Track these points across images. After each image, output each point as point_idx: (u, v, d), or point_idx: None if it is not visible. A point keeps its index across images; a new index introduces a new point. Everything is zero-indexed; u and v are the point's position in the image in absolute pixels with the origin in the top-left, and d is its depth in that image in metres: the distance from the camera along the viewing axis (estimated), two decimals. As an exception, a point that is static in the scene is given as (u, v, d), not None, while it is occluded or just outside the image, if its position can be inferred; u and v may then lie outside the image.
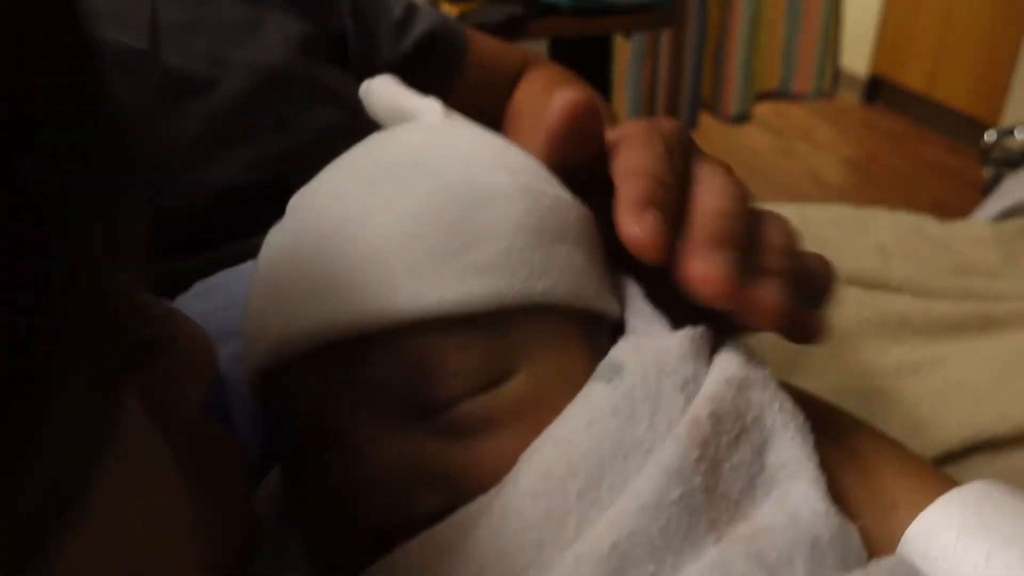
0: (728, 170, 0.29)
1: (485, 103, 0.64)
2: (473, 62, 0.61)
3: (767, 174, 2.42)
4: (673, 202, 0.25)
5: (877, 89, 2.76)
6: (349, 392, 0.23)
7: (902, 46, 2.61)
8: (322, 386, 0.24)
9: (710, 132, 2.39)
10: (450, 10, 1.10)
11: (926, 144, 2.50)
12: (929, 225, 0.78)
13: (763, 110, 2.33)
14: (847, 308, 0.67)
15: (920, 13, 2.51)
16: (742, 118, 2.22)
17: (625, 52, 1.98)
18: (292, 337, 0.23)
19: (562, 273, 0.25)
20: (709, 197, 0.26)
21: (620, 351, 0.25)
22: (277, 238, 0.27)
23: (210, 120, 0.46)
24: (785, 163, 2.48)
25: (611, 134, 0.28)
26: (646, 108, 2.11)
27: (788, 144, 2.56)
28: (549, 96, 0.54)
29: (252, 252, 0.41)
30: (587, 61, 1.27)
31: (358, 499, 0.23)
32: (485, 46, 0.63)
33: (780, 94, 2.24)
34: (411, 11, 0.59)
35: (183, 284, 0.38)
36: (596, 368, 0.25)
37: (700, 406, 0.23)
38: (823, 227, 0.75)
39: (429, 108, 0.31)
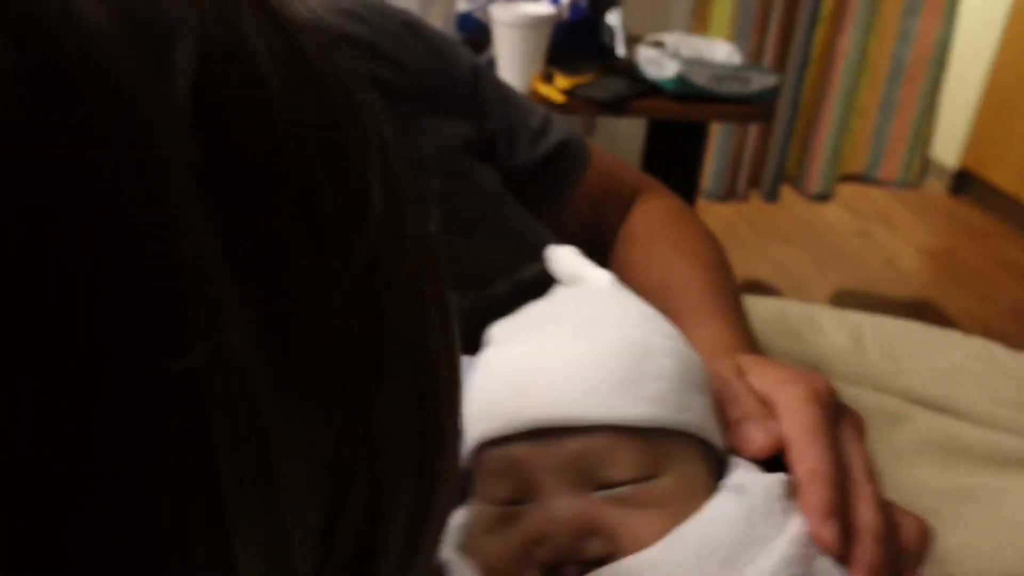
0: (859, 427, 0.42)
1: (601, 215, 0.69)
2: (593, 174, 0.67)
3: (842, 255, 2.42)
4: (845, 500, 0.36)
5: (965, 182, 2.74)
6: (549, 462, 0.34)
7: (995, 143, 2.58)
8: (531, 454, 0.34)
9: (791, 206, 2.42)
10: (562, 83, 1.17)
11: (1010, 244, 2.47)
12: (999, 353, 0.80)
13: (846, 190, 2.34)
14: (911, 428, 0.71)
15: (1016, 113, 2.49)
16: (824, 196, 2.24)
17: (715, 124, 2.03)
18: (520, 419, 0.34)
19: (697, 412, 0.37)
20: (866, 510, 0.37)
21: (740, 477, 0.36)
22: (503, 351, 0.39)
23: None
24: (862, 246, 2.47)
25: (790, 425, 0.39)
26: (730, 176, 2.15)
27: (867, 227, 2.56)
28: (667, 228, 0.63)
29: None
30: (682, 140, 1.33)
31: (544, 539, 0.33)
32: (605, 162, 0.69)
33: (865, 178, 2.25)
34: (547, 121, 0.65)
35: None
36: (720, 484, 0.36)
37: (799, 523, 0.35)
38: (898, 342, 0.79)
39: (601, 277, 0.43)
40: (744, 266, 2.30)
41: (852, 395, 0.72)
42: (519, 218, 0.58)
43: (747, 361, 0.46)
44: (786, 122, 2.08)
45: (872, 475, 0.41)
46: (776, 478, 0.36)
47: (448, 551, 0.35)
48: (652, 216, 0.69)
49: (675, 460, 0.35)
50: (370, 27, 0.57)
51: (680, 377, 0.37)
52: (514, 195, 0.60)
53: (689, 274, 0.62)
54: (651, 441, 0.35)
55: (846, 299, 2.22)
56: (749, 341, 0.56)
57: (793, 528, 0.34)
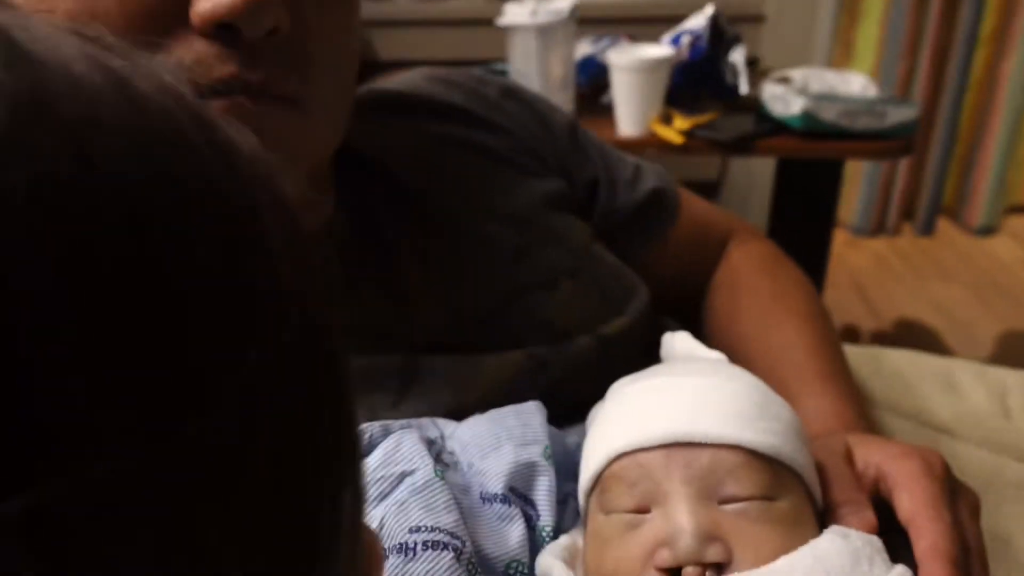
0: (975, 506, 0.43)
1: (692, 262, 0.68)
2: (684, 220, 0.66)
3: (1012, 293, 2.19)
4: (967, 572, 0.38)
5: None
6: (680, 472, 0.38)
7: None
8: (663, 464, 0.39)
9: (950, 240, 2.23)
10: (681, 124, 1.15)
11: None
12: None
13: (1016, 223, 2.13)
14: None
15: None
16: (988, 230, 2.05)
17: (861, 153, 1.92)
18: (657, 433, 0.39)
19: (805, 460, 0.41)
20: None
21: (845, 526, 0.40)
22: (638, 383, 0.44)
23: (453, 245, 0.55)
24: (1035, 283, 2.23)
25: (909, 499, 0.40)
26: (879, 208, 2.02)
27: (1043, 262, 2.31)
28: (763, 278, 0.62)
29: (467, 368, 0.50)
30: (815, 177, 1.26)
31: (669, 542, 0.37)
32: (696, 207, 0.69)
33: (1039, 210, 2.04)
34: (639, 169, 0.66)
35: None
36: (826, 527, 0.40)
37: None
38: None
39: (718, 355, 0.48)
40: (899, 305, 2.13)
41: (990, 466, 0.65)
42: (605, 274, 0.58)
43: (856, 440, 0.46)
44: (942, 151, 1.93)
45: (985, 557, 0.39)
46: (876, 537, 0.38)
47: (553, 561, 0.39)
48: (747, 264, 0.67)
49: (789, 491, 0.39)
50: (465, 94, 0.61)
51: (794, 426, 0.42)
52: (607, 243, 0.61)
53: (791, 332, 0.60)
54: (771, 468, 0.39)
55: (1018, 344, 2.01)
56: (857, 410, 0.54)
57: (897, 573, 0.36)
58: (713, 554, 0.36)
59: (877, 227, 2.04)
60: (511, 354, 0.52)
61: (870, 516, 0.41)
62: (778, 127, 1.13)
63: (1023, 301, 2.13)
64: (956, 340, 1.99)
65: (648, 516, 0.38)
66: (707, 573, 0.36)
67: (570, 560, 0.40)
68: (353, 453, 0.19)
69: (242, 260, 0.15)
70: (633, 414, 0.42)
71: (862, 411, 0.57)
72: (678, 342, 0.51)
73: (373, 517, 0.40)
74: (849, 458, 0.45)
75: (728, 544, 0.37)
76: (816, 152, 1.12)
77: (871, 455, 0.44)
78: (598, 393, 0.53)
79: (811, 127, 1.10)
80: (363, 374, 0.48)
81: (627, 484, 0.39)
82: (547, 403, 0.50)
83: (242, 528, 0.14)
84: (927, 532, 0.39)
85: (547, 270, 0.56)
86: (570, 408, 0.52)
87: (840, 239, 2.10)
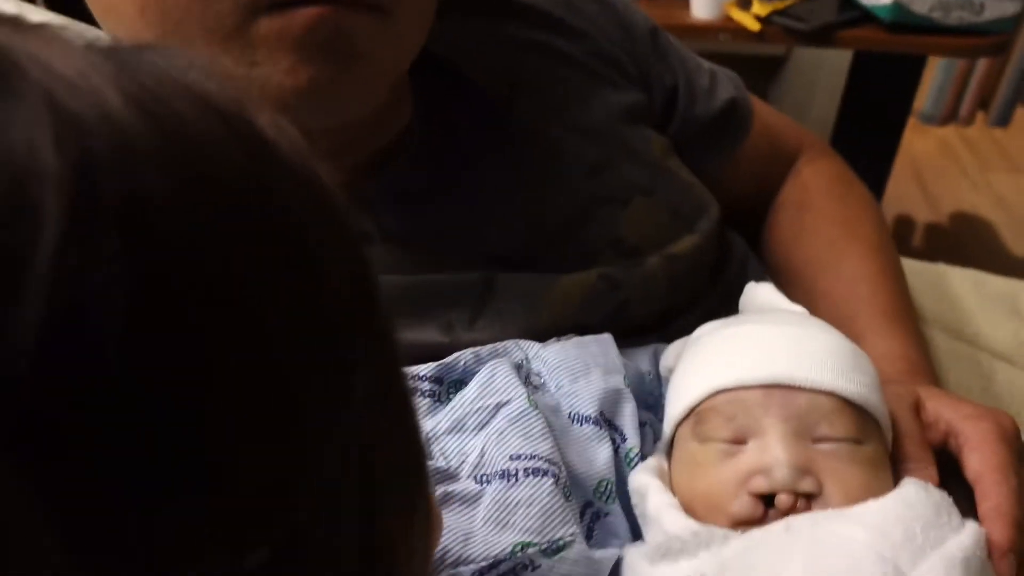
0: None
1: (764, 175, 0.67)
2: (756, 133, 0.65)
3: (1081, 188, 2.11)
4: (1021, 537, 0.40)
5: None
6: (779, 411, 0.42)
7: None
8: (763, 402, 0.42)
9: None
10: (759, 8, 1.09)
11: None
12: None
13: (1098, 115, 2.01)
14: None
15: None
16: (1068, 122, 1.94)
17: (943, 34, 1.80)
18: (759, 374, 0.43)
19: (885, 410, 0.44)
20: None
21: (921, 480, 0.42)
22: (735, 328, 0.48)
23: (529, 158, 0.55)
24: (1108, 180, 2.14)
25: (979, 460, 0.43)
26: (954, 95, 1.92)
27: (1119, 158, 2.20)
28: (833, 201, 0.62)
29: (541, 287, 0.51)
30: (894, 76, 1.20)
31: (765, 471, 0.40)
32: (768, 118, 0.67)
33: (1125, 103, 1.92)
34: (715, 77, 0.64)
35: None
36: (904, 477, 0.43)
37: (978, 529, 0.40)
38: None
39: (800, 309, 0.50)
40: (957, 196, 2.08)
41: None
42: (678, 190, 0.58)
43: (929, 394, 0.48)
44: (1032, 35, 1.80)
45: None
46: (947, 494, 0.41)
47: (649, 479, 0.43)
48: (817, 184, 0.67)
49: (873, 438, 0.43)
50: None
51: (878, 381, 0.45)
52: (680, 154, 0.60)
53: (857, 263, 0.60)
54: (860, 416, 0.43)
55: (1078, 243, 1.96)
56: (923, 353, 0.56)
57: (972, 530, 0.39)
58: (806, 485, 0.40)
59: (949, 115, 1.95)
60: (583, 274, 0.53)
61: (935, 474, 0.43)
62: (864, 16, 1.07)
63: (1091, 197, 2.06)
64: (1012, 234, 1.94)
65: (744, 447, 0.42)
66: (799, 502, 0.40)
67: (661, 480, 0.43)
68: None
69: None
70: (734, 354, 0.45)
71: (927, 352, 0.59)
72: (761, 293, 0.52)
73: (473, 447, 0.43)
74: (918, 410, 0.47)
75: (819, 478, 0.40)
76: (903, 47, 1.06)
77: (942, 411, 0.46)
78: (661, 314, 0.55)
79: (901, 19, 1.03)
80: (440, 289, 0.50)
81: (725, 417, 0.43)
82: (615, 323, 0.52)
83: None
84: (993, 494, 0.41)
85: (622, 186, 0.56)
86: (634, 329, 0.54)
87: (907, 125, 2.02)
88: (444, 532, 0.41)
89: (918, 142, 2.26)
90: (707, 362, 0.46)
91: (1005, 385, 0.66)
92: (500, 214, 0.53)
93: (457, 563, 0.39)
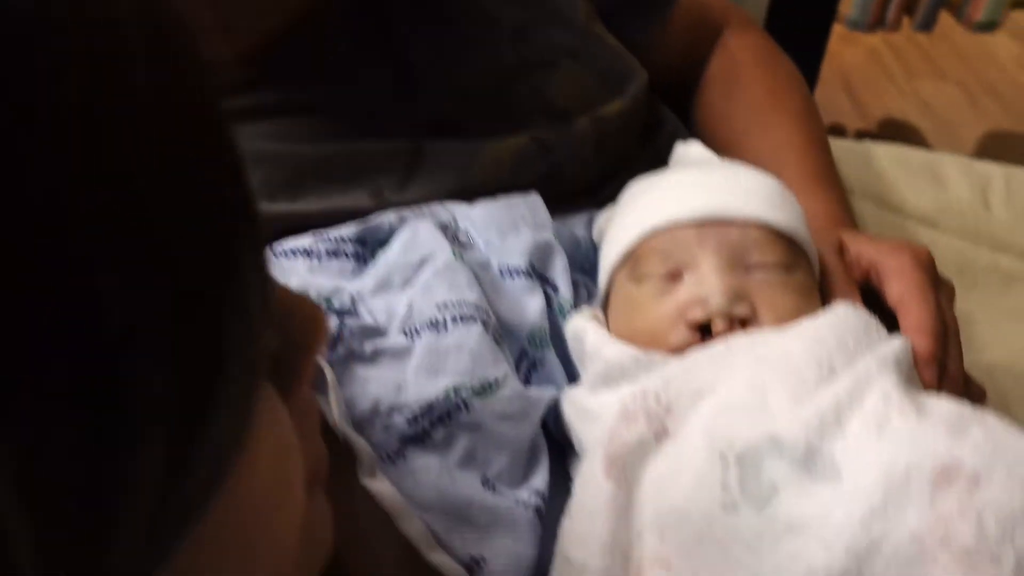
0: (951, 295, 0.48)
1: (691, 48, 0.67)
2: (682, 7, 0.64)
3: (1001, 91, 2.18)
4: (944, 349, 0.43)
5: None
6: (712, 243, 0.42)
7: None
8: (697, 237, 0.43)
9: (950, 37, 2.16)
10: None
11: None
12: None
13: (1019, 18, 2.06)
14: (1019, 287, 0.68)
15: None
16: (990, 26, 1.98)
17: (870, -63, 1.80)
18: (691, 211, 0.43)
19: (813, 243, 0.46)
20: (954, 364, 0.44)
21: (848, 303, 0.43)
22: (675, 173, 0.49)
23: (454, 22, 0.53)
24: (1027, 83, 2.21)
25: (899, 286, 0.45)
26: (878, 3, 1.93)
27: (1037, 62, 2.27)
28: (759, 73, 0.62)
29: (472, 151, 0.50)
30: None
31: (701, 301, 0.41)
32: None
33: (1044, 4, 1.96)
34: None
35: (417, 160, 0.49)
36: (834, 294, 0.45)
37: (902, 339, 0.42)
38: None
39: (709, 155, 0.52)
40: (885, 104, 2.12)
41: (966, 254, 0.69)
42: (605, 54, 0.57)
43: (850, 236, 0.50)
44: (955, -64, 1.82)
45: (959, 337, 0.43)
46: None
47: (585, 322, 0.43)
48: (741, 56, 0.66)
49: (802, 267, 0.44)
50: None
51: (804, 218, 0.47)
52: (607, 23, 0.59)
53: (784, 133, 0.61)
54: (789, 245, 0.44)
55: (999, 145, 2.03)
56: (846, 210, 0.57)
57: (900, 339, 0.40)
58: (741, 309, 0.41)
59: (876, 20, 1.97)
60: (514, 137, 0.52)
61: (860, 302, 0.45)
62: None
63: (1012, 102, 2.12)
64: (938, 140, 2.00)
65: (680, 282, 0.43)
66: (734, 327, 0.40)
67: (599, 326, 0.44)
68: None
69: None
70: (667, 196, 0.45)
71: (851, 211, 0.60)
72: (691, 151, 0.53)
73: (400, 303, 0.42)
74: (842, 252, 0.49)
75: (753, 303, 0.41)
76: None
77: (863, 249, 0.48)
78: (595, 176, 0.55)
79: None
80: (369, 157, 0.49)
81: (662, 255, 0.43)
82: (549, 186, 0.51)
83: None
84: (914, 312, 0.43)
85: (548, 48, 0.55)
86: (569, 192, 0.53)
87: (835, 33, 2.04)
88: (376, 386, 0.40)
89: (847, 52, 2.29)
90: (641, 207, 0.46)
91: (930, 247, 0.68)
92: (426, 79, 0.51)
93: (391, 411, 0.38)
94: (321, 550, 0.28)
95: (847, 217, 0.57)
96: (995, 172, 0.76)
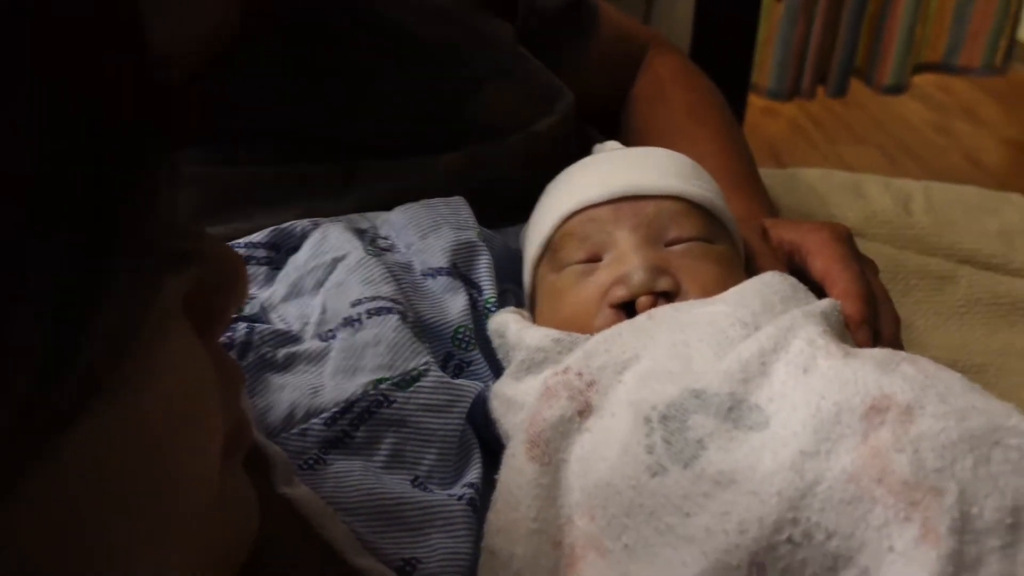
0: (875, 270, 0.48)
1: (615, 72, 0.69)
2: (606, 29, 0.66)
3: (916, 151, 2.29)
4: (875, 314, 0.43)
5: (1059, 67, 2.53)
6: (629, 220, 0.42)
7: (1095, 21, 2.36)
8: (613, 215, 0.42)
9: (860, 101, 2.29)
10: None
11: (1107, 132, 2.28)
12: (1064, 214, 0.76)
13: (923, 81, 2.20)
14: (958, 286, 0.68)
15: (1122, -15, 2.26)
16: (897, 89, 2.11)
17: (775, 12, 1.93)
18: (605, 190, 0.42)
19: (732, 216, 0.45)
20: (887, 325, 0.43)
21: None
22: (593, 157, 0.49)
23: (386, 45, 0.53)
24: (939, 140, 2.34)
25: (823, 259, 0.45)
26: (794, 71, 2.05)
27: (946, 121, 2.41)
28: (680, 91, 0.63)
29: (404, 170, 0.49)
30: (734, 19, 1.27)
31: (623, 280, 0.40)
32: (615, 17, 0.69)
33: (944, 67, 2.11)
34: None
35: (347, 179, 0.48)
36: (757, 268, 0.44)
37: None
38: (948, 205, 0.75)
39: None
40: (811, 167, 2.21)
41: (896, 259, 0.69)
42: (531, 72, 0.58)
43: (771, 223, 0.50)
44: (855, 8, 1.96)
45: (890, 299, 0.43)
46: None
47: (507, 316, 0.41)
48: (663, 77, 0.68)
49: (723, 239, 0.44)
50: None
51: (721, 192, 0.46)
52: (531, 49, 0.60)
53: (704, 145, 0.62)
54: (707, 217, 0.43)
55: (921, 196, 2.11)
56: (768, 210, 0.58)
57: (829, 299, 0.40)
58: (663, 283, 0.40)
59: (792, 90, 2.08)
60: (446, 156, 0.52)
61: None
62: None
63: (928, 161, 2.23)
64: (866, 197, 2.08)
65: (600, 263, 0.41)
66: (658, 301, 0.39)
67: (521, 318, 0.42)
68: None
69: None
70: (581, 180, 0.45)
71: (772, 207, 0.61)
72: (608, 148, 0.52)
73: (314, 307, 0.40)
74: (765, 238, 0.49)
75: (676, 277, 0.40)
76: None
77: (784, 233, 0.49)
78: (527, 193, 0.54)
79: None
80: (300, 178, 0.48)
81: (579, 239, 0.42)
82: (481, 203, 0.51)
83: None
84: (840, 279, 0.43)
85: (479, 68, 0.56)
86: (501, 209, 0.53)
87: (757, 105, 2.14)
88: (291, 392, 0.37)
89: (771, 124, 2.40)
90: (555, 196, 0.45)
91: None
92: (359, 101, 0.51)
93: (308, 416, 0.36)
94: (244, 535, 0.26)
95: (768, 211, 0.58)
96: (914, 186, 0.79)
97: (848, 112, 2.39)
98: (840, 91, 2.10)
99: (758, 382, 0.31)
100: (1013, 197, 0.78)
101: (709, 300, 0.38)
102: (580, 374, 0.34)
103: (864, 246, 0.70)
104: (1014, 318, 0.67)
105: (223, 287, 0.24)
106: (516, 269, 0.49)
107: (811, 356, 0.32)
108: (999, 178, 2.14)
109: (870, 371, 0.31)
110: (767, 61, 2.03)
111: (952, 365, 0.64)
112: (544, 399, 0.34)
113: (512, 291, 0.48)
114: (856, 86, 2.11)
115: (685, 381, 0.32)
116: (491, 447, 0.39)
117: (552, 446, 0.32)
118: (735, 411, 0.31)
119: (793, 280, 0.40)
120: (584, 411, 0.33)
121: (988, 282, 0.68)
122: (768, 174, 0.75)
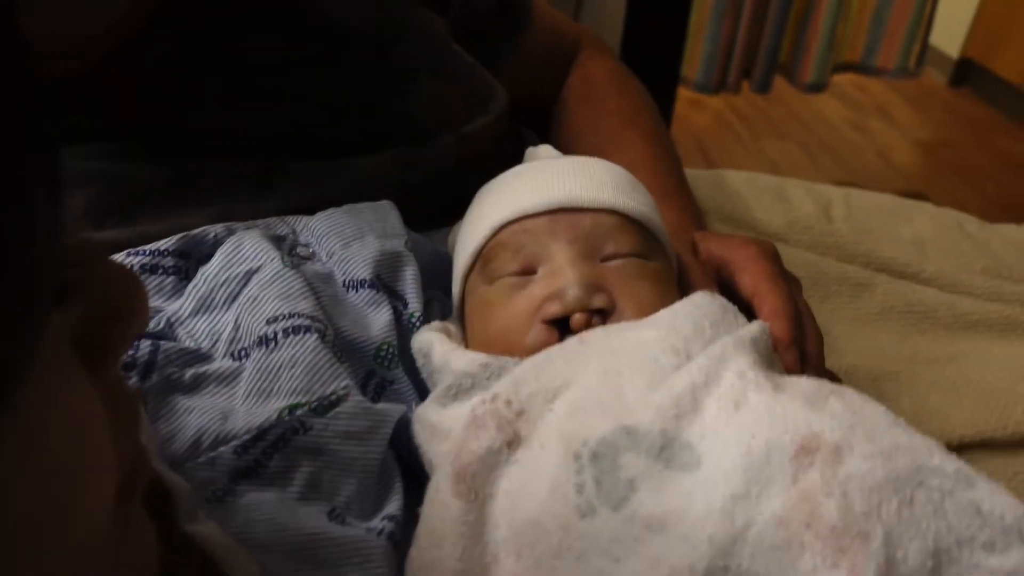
0: (799, 287, 0.49)
1: (546, 72, 0.67)
2: (539, 27, 0.65)
3: (834, 148, 2.37)
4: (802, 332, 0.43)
5: (966, 73, 2.66)
6: (564, 234, 0.40)
7: (1000, 31, 2.49)
8: (548, 227, 0.40)
9: (783, 97, 2.35)
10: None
11: (1009, 138, 2.42)
12: (971, 224, 0.79)
13: (841, 80, 2.27)
14: (874, 293, 0.70)
15: (1024, -3, 2.39)
16: (818, 87, 2.17)
17: (705, 6, 1.95)
18: (541, 201, 0.41)
19: (664, 230, 0.45)
20: (812, 343, 0.43)
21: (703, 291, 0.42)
22: (529, 165, 0.47)
23: (310, 37, 0.50)
24: (855, 139, 2.43)
25: (751, 275, 0.45)
26: (720, 66, 2.08)
27: (862, 119, 2.50)
28: (611, 96, 0.61)
29: (329, 171, 0.47)
30: (664, 14, 1.27)
31: (557, 295, 0.38)
32: (548, 15, 0.67)
33: (862, 67, 2.18)
34: None
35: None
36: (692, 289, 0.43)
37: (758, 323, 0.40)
38: (866, 213, 0.77)
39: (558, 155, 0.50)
40: (736, 162, 2.26)
41: (817, 265, 0.71)
42: (466, 70, 0.56)
43: (700, 236, 0.50)
44: (781, 7, 2.00)
45: (814, 318, 0.43)
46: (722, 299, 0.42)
47: (431, 335, 0.40)
48: (595, 78, 0.67)
49: (658, 255, 0.43)
50: None
51: (656, 207, 0.45)
52: (464, 46, 0.58)
53: (635, 152, 0.62)
54: (643, 233, 0.42)
55: (837, 193, 2.19)
56: (697, 223, 0.58)
57: (757, 322, 0.39)
58: (598, 301, 0.39)
59: (719, 84, 2.12)
60: (373, 157, 0.49)
61: (718, 293, 0.44)
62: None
63: (846, 159, 2.32)
64: (786, 191, 2.14)
65: (534, 277, 0.40)
66: (593, 319, 0.38)
67: (446, 336, 0.40)
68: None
69: None
70: (516, 188, 0.43)
71: (702, 222, 0.61)
72: (541, 152, 0.51)
73: (226, 323, 0.38)
74: (695, 252, 0.49)
75: (611, 294, 0.39)
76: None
77: (713, 247, 0.48)
78: (458, 196, 0.53)
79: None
80: (214, 177, 0.45)
81: (513, 250, 0.41)
82: (410, 205, 0.49)
83: None
84: (769, 298, 0.43)
85: (410, 65, 0.53)
86: (431, 212, 0.51)
87: (684, 97, 2.17)
88: (199, 416, 0.34)
89: (697, 116, 2.44)
90: (489, 203, 0.44)
91: (783, 259, 0.70)
92: (278, 96, 0.48)
93: (216, 443, 0.33)
94: (144, 573, 0.24)
95: (698, 225, 0.58)
96: (835, 193, 0.80)
97: (771, 107, 2.45)
98: (764, 87, 2.14)
99: (690, 418, 0.31)
100: (926, 206, 0.81)
101: (640, 323, 0.37)
102: (509, 402, 0.33)
103: (786, 252, 0.71)
104: (925, 326, 0.69)
105: (118, 315, 0.21)
106: (446, 275, 0.47)
107: (742, 390, 0.31)
108: (908, 177, 2.24)
109: (799, 408, 0.30)
110: (696, 54, 2.05)
111: (867, 371, 0.66)
112: (471, 429, 0.32)
113: (439, 299, 0.46)
114: (779, 82, 2.16)
115: (616, 415, 0.31)
116: (413, 471, 0.38)
117: (479, 480, 0.31)
118: (667, 450, 0.30)
119: (723, 301, 0.40)
120: (512, 442, 0.32)
121: (902, 290, 0.70)
122: (695, 175, 0.75)
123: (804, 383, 0.33)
